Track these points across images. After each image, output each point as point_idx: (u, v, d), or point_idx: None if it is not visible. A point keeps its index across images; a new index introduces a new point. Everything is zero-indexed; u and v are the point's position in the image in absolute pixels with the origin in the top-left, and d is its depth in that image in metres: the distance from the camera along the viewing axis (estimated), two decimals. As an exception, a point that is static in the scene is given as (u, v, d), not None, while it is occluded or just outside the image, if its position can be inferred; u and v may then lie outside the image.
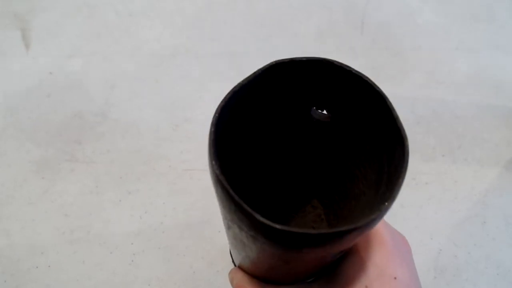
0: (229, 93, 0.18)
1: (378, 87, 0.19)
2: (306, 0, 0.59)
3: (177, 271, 0.38)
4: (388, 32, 0.58)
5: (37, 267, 0.38)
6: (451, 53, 0.56)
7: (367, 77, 0.19)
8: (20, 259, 0.39)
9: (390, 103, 0.18)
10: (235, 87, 0.19)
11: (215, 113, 0.18)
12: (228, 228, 0.21)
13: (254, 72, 0.19)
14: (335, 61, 0.19)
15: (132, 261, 0.39)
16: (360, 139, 0.22)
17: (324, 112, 0.23)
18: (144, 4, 0.60)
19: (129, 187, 0.43)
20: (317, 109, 0.23)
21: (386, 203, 0.16)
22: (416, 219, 0.42)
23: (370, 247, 0.23)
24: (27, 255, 0.39)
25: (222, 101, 0.18)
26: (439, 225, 0.41)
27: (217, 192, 0.17)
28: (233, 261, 0.34)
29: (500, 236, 0.41)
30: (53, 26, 0.58)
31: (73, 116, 0.48)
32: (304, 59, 0.19)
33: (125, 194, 0.43)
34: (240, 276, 0.27)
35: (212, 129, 0.17)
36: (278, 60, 0.19)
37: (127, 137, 0.47)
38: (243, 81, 0.19)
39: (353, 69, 0.19)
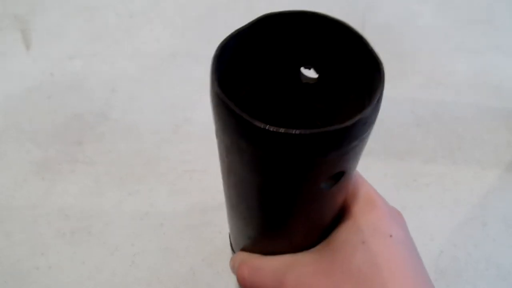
0: (227, 37, 0.20)
1: (354, 29, 0.20)
2: (306, 2, 0.59)
3: (177, 272, 0.38)
4: (388, 34, 0.58)
5: (37, 268, 0.38)
6: (451, 55, 0.56)
7: (345, 22, 0.21)
8: (20, 260, 0.39)
9: (366, 39, 0.20)
10: (232, 32, 0.20)
11: (216, 51, 0.19)
12: (229, 171, 0.22)
13: (250, 22, 0.21)
14: (319, 12, 0.21)
15: (133, 262, 0.39)
16: (344, 90, 0.24)
17: (312, 71, 0.24)
18: (145, 5, 0.61)
19: (129, 188, 0.43)
20: (305, 67, 0.24)
21: (367, 108, 0.17)
22: (417, 220, 0.42)
23: (364, 210, 0.24)
24: (27, 256, 0.39)
25: (222, 42, 0.20)
26: (439, 226, 0.41)
27: (218, 113, 0.18)
28: (232, 249, 0.34)
29: (501, 237, 0.41)
30: (53, 27, 0.58)
31: (74, 117, 0.48)
32: (290, 12, 0.21)
33: (125, 195, 0.43)
34: (241, 255, 0.28)
35: (215, 61, 0.19)
36: (269, 13, 0.21)
37: (128, 138, 0.47)
38: (240, 28, 0.20)
39: (334, 18, 0.21)
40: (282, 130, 0.16)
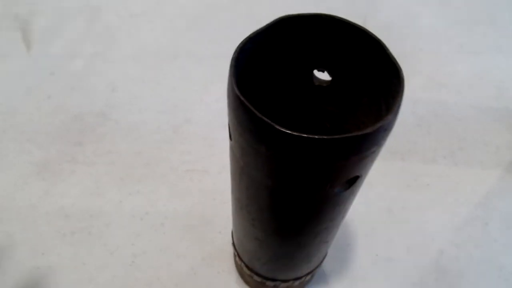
0: (245, 39, 0.20)
1: (372, 33, 0.20)
2: (306, 3, 0.59)
3: (178, 273, 0.38)
4: (389, 35, 0.57)
5: (38, 268, 0.38)
6: (452, 56, 0.56)
7: (362, 27, 0.21)
8: (21, 260, 0.39)
9: (384, 44, 0.20)
10: (250, 35, 0.20)
11: (234, 53, 0.19)
12: (242, 173, 0.22)
13: (267, 24, 0.21)
14: (336, 16, 0.21)
15: (133, 262, 0.39)
16: (357, 94, 0.24)
17: (325, 73, 0.25)
18: (145, 6, 0.61)
19: (129, 188, 0.43)
20: (319, 69, 0.25)
21: (389, 115, 0.17)
22: (418, 221, 0.42)
23: None
24: (28, 256, 0.39)
25: (240, 44, 0.20)
26: (440, 227, 0.41)
27: (236, 115, 0.18)
28: (234, 248, 0.34)
29: (502, 238, 0.41)
30: (54, 27, 0.58)
31: (74, 117, 0.48)
32: (306, 14, 0.21)
33: (125, 195, 0.42)
34: None
35: (233, 63, 0.19)
36: (285, 16, 0.21)
37: (128, 138, 0.47)
38: (257, 30, 0.20)
39: (350, 21, 0.21)
40: (304, 135, 0.16)
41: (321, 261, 0.33)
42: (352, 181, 0.20)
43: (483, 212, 0.42)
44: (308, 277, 0.34)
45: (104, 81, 0.52)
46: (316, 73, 0.25)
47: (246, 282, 0.37)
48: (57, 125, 0.48)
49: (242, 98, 0.17)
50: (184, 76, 0.53)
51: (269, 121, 0.16)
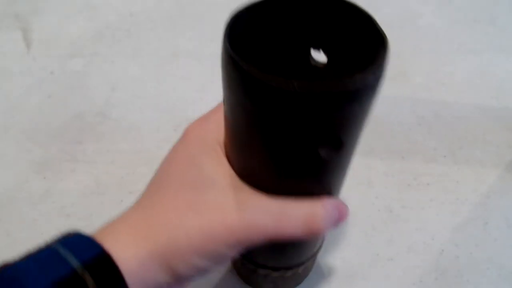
0: (241, 8, 0.20)
1: (363, 9, 0.21)
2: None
3: (178, 272, 0.38)
4: (388, 34, 0.57)
5: (37, 268, 0.38)
6: (452, 55, 0.56)
7: (354, 3, 0.21)
8: (20, 259, 0.39)
9: (374, 18, 0.21)
10: (245, 5, 0.20)
11: (229, 20, 0.20)
12: (233, 137, 0.22)
13: None
14: None
15: (133, 261, 0.39)
16: (352, 74, 0.24)
17: (321, 52, 0.24)
18: (145, 4, 0.61)
19: (130, 187, 0.43)
20: (314, 48, 0.25)
21: (376, 69, 0.17)
22: (418, 220, 0.42)
23: None
24: (27, 255, 0.39)
25: (234, 12, 0.20)
26: (440, 226, 0.41)
27: (226, 72, 0.19)
28: None
29: (502, 237, 0.41)
30: (54, 26, 0.58)
31: (74, 116, 0.48)
32: None
33: (126, 194, 0.42)
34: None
35: (228, 29, 0.19)
36: None
37: (128, 137, 0.47)
38: (253, 2, 0.21)
39: None
40: (283, 88, 0.16)
41: (315, 253, 0.33)
42: (335, 146, 0.20)
43: (483, 212, 0.42)
44: (300, 269, 0.33)
45: (104, 80, 0.52)
46: (313, 52, 0.25)
47: (239, 273, 0.37)
48: (57, 124, 0.48)
49: (232, 54, 0.17)
50: (184, 75, 0.53)
51: (253, 69, 0.17)
